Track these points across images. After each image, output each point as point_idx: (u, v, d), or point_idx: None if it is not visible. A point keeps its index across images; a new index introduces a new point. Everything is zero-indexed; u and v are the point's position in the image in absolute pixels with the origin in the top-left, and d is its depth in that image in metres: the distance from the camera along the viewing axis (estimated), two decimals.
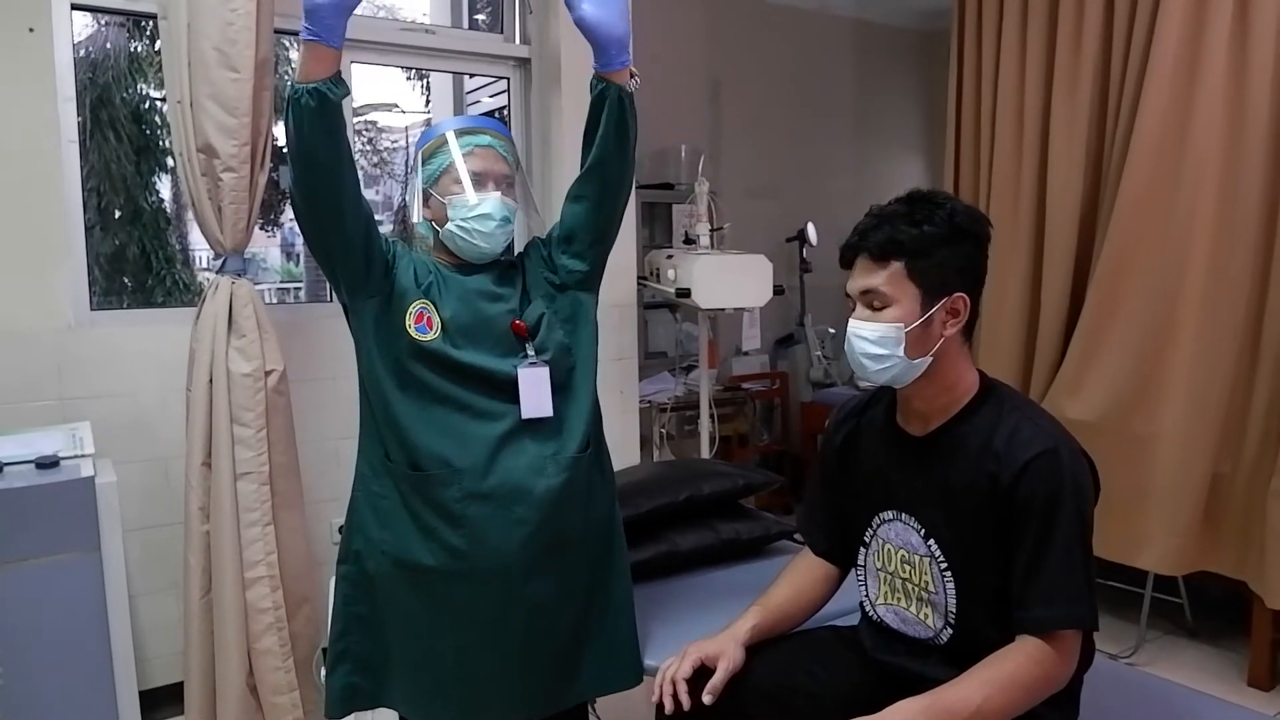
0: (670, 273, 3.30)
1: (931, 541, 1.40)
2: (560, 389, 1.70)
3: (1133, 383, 2.95)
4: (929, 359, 1.37)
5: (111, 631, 2.05)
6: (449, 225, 1.67)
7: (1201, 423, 2.81)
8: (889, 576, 1.48)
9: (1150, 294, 2.92)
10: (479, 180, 1.67)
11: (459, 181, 1.66)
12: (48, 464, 1.98)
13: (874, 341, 1.36)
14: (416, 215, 1.73)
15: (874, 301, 1.37)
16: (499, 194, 1.67)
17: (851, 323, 1.40)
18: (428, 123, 5.74)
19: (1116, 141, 3.09)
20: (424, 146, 1.71)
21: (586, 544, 1.74)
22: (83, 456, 2.08)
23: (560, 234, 1.78)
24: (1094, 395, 3.03)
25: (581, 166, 1.74)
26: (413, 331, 1.63)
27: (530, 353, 1.68)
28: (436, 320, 1.64)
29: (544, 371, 1.67)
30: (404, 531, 1.64)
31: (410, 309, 1.64)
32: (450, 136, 1.69)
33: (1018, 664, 1.28)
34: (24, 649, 1.92)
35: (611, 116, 1.66)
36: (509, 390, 1.65)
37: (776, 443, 4.56)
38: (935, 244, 1.35)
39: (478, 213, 1.65)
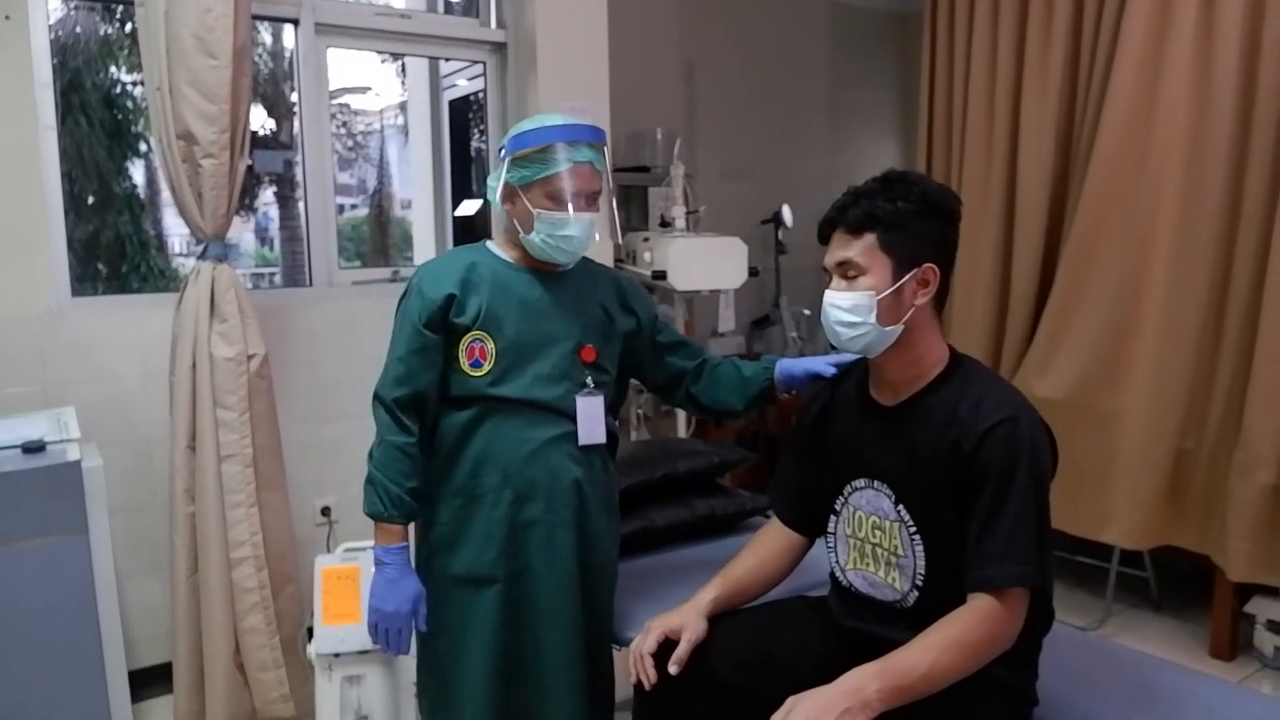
0: (647, 255, 3.34)
1: (901, 507, 1.45)
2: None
3: (1099, 361, 3.02)
4: (900, 327, 1.43)
5: (100, 613, 2.07)
6: (534, 236, 1.69)
7: (1166, 400, 2.88)
8: (859, 543, 1.53)
9: (1117, 274, 2.98)
10: (573, 201, 1.67)
11: (552, 197, 1.66)
12: (34, 448, 1.99)
13: (847, 309, 1.43)
14: (496, 202, 1.74)
15: (849, 271, 1.44)
16: (589, 215, 1.70)
17: (827, 293, 1.47)
18: (402, 108, 5.70)
19: (1086, 123, 3.15)
20: (522, 148, 1.68)
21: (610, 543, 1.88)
22: (68, 441, 2.09)
23: (665, 341, 1.91)
24: (1062, 373, 3.10)
25: (704, 380, 1.90)
26: (466, 368, 1.70)
27: (590, 382, 1.76)
28: (490, 348, 1.69)
29: (599, 400, 1.76)
30: (468, 548, 1.73)
31: (464, 343, 1.69)
32: (553, 149, 1.66)
33: (963, 626, 1.34)
34: (12, 631, 1.94)
35: (761, 402, 1.89)
36: (556, 411, 1.73)
37: (752, 423, 4.60)
38: (908, 218, 1.41)
39: (565, 233, 1.67)
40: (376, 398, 1.70)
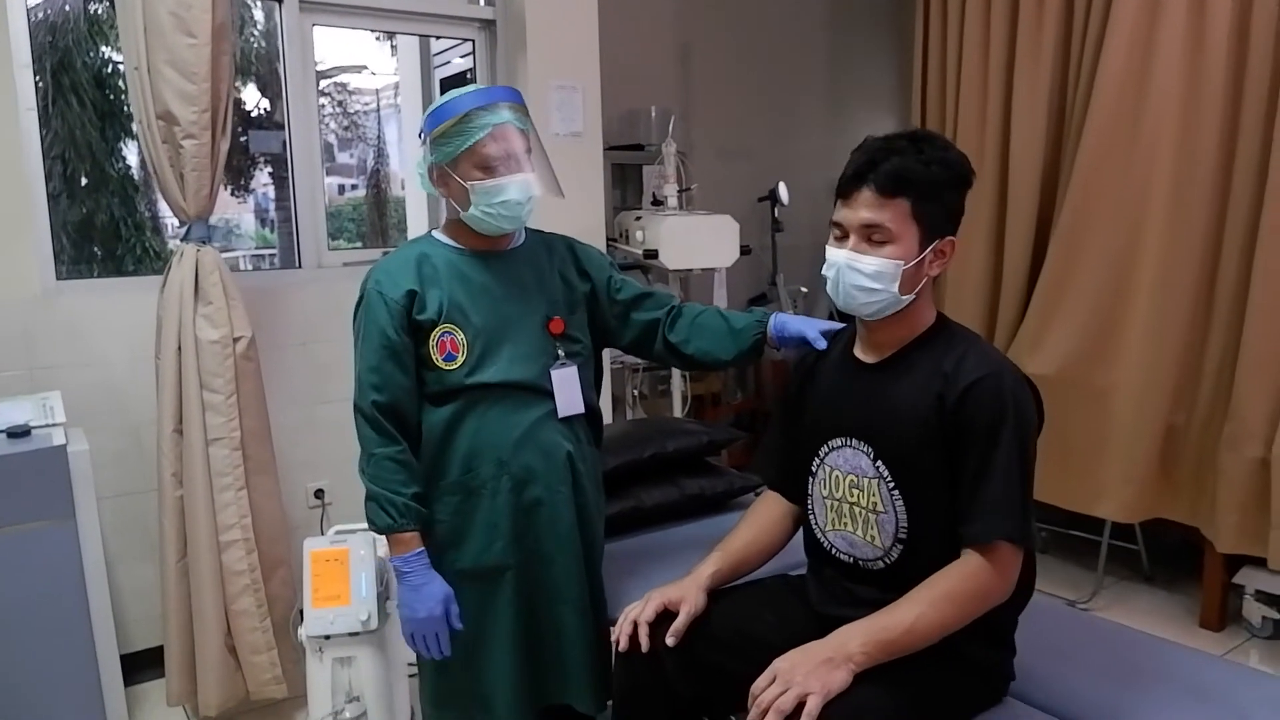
0: (639, 234, 3.33)
1: (880, 463, 1.45)
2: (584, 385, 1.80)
3: (1091, 337, 3.03)
4: (913, 296, 1.41)
5: (90, 597, 2.07)
6: (473, 210, 1.66)
7: (1157, 375, 2.89)
8: (836, 503, 1.52)
9: (1109, 250, 2.98)
10: (502, 164, 1.64)
11: (480, 166, 1.63)
12: (19, 433, 1.99)
13: (870, 275, 1.38)
14: (429, 189, 1.73)
15: (875, 235, 1.38)
16: (523, 175, 1.66)
17: (846, 254, 1.41)
18: (395, 90, 5.67)
19: (1078, 99, 3.14)
20: (437, 126, 1.66)
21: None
22: (54, 425, 2.08)
23: (624, 297, 1.85)
24: (1054, 349, 3.10)
25: (686, 329, 1.84)
26: (440, 362, 1.68)
27: (561, 354, 1.75)
28: (461, 339, 1.68)
29: (573, 370, 1.76)
30: (473, 541, 1.73)
31: (433, 339, 1.67)
32: (465, 119, 1.63)
33: (950, 581, 1.35)
34: (2, 617, 1.94)
35: (751, 356, 1.81)
36: (537, 389, 1.72)
37: (750, 401, 4.61)
38: (942, 187, 1.38)
39: (504, 199, 1.65)
40: (357, 409, 1.69)
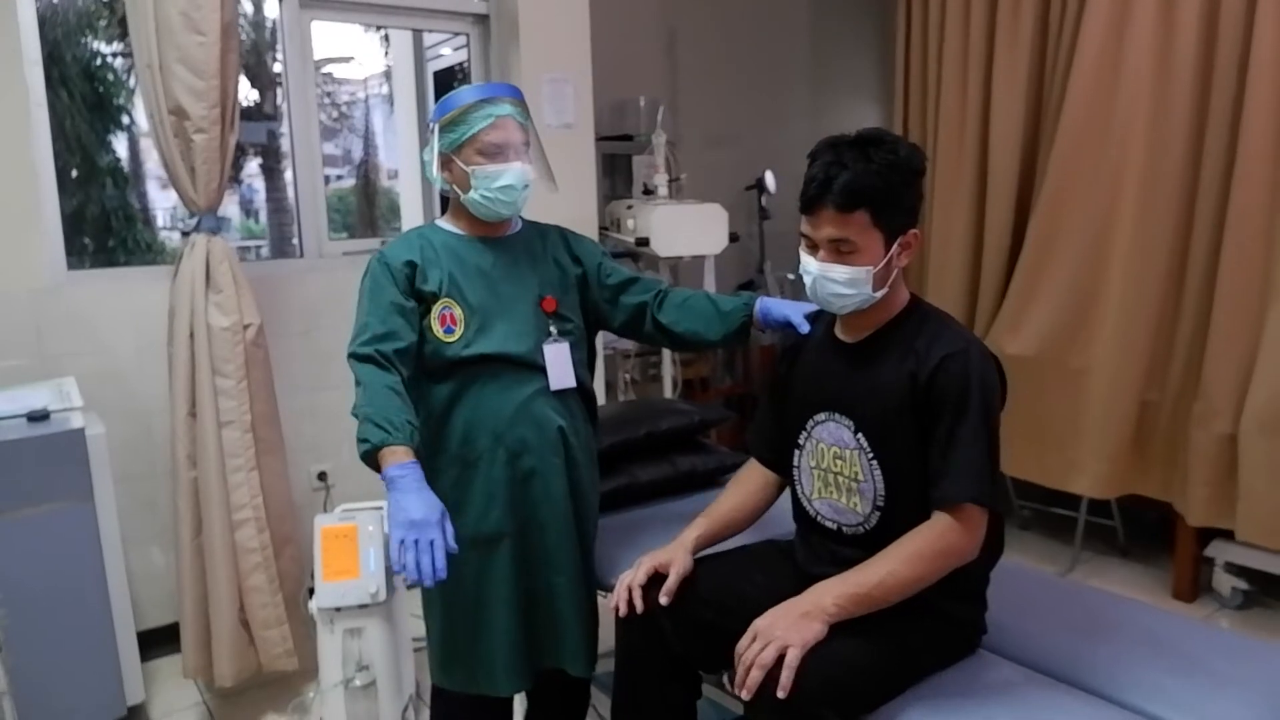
0: (630, 222, 3.41)
1: (860, 435, 1.56)
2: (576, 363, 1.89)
3: (1067, 318, 3.12)
4: (887, 289, 1.53)
5: (108, 575, 2.15)
6: (473, 194, 1.78)
7: (1130, 354, 2.99)
8: (822, 473, 1.64)
9: (1084, 233, 3.07)
10: (501, 151, 1.77)
11: (482, 153, 1.76)
12: (39, 417, 2.07)
13: (844, 284, 1.51)
14: (434, 177, 1.83)
15: (841, 247, 1.49)
16: (520, 163, 1.79)
17: (818, 265, 1.52)
18: (386, 77, 5.71)
19: (1055, 86, 3.22)
20: (444, 115, 1.79)
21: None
22: (71, 409, 2.16)
23: (613, 282, 1.95)
24: (1032, 331, 3.20)
25: (674, 311, 1.92)
26: (440, 334, 1.78)
27: (553, 331, 1.85)
28: (460, 313, 1.78)
29: (565, 346, 1.86)
30: (472, 510, 1.82)
31: (434, 313, 1.77)
32: (471, 108, 1.77)
33: (921, 540, 1.46)
34: (24, 596, 2.01)
35: (738, 338, 1.90)
36: (531, 365, 1.82)
37: (738, 385, 4.69)
38: (897, 190, 1.48)
39: (502, 184, 1.77)
40: (353, 356, 1.68)
